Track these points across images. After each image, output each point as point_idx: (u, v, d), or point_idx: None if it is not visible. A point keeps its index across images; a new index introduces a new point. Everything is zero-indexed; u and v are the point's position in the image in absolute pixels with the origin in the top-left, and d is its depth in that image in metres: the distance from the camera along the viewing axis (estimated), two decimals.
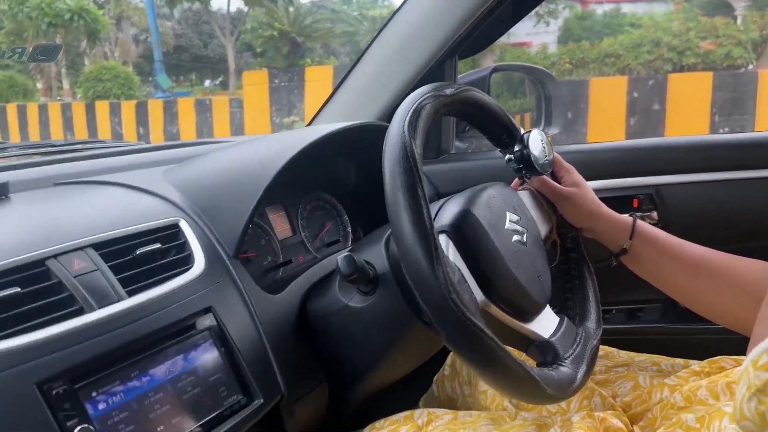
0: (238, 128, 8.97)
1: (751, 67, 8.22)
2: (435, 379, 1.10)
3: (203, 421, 0.67)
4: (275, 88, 8.98)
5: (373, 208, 1.19)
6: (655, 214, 1.16)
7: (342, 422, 1.05)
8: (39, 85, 16.75)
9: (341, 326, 0.84)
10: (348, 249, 0.91)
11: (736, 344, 0.85)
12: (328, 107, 1.32)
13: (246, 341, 0.75)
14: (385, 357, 0.84)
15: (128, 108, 10.02)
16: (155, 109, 9.82)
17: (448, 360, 1.08)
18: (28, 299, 0.62)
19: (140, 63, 17.33)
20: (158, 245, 0.75)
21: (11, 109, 11.27)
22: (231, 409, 0.70)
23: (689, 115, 6.63)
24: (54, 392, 0.57)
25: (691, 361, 0.90)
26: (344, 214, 1.16)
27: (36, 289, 0.63)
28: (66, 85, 17.30)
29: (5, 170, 0.95)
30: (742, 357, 0.75)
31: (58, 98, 15.45)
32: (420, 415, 0.87)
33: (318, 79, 8.59)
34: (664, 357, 0.95)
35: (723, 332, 0.88)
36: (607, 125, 6.82)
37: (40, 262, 0.65)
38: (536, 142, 0.91)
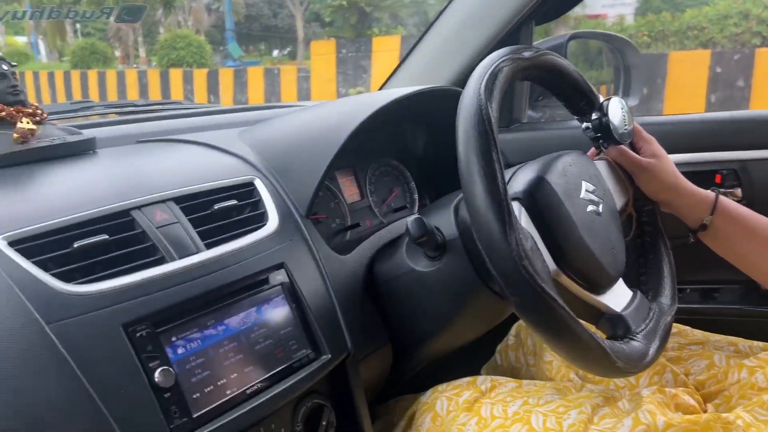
0: (304, 98, 9.07)
1: None
2: (498, 348, 1.09)
3: (273, 372, 0.69)
4: (342, 59, 8.99)
5: (440, 176, 1.18)
6: (738, 191, 1.10)
7: (403, 384, 1.07)
8: (117, 53, 17.40)
9: (407, 290, 0.85)
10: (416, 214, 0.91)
11: None
12: (399, 72, 1.32)
13: (315, 298, 0.76)
14: (449, 323, 0.85)
15: (200, 76, 10.28)
16: (225, 77, 10.04)
17: (513, 330, 1.08)
18: (115, 247, 0.65)
19: (212, 32, 17.70)
20: (234, 202, 0.77)
21: (92, 75, 11.78)
22: (300, 363, 0.72)
23: None
24: (138, 334, 0.60)
25: None
26: (411, 181, 1.16)
27: (122, 238, 0.66)
28: (142, 53, 17.91)
29: (92, 127, 0.99)
30: None
31: (135, 65, 16.01)
32: (483, 381, 0.87)
33: (385, 49, 8.54)
34: (741, 339, 0.91)
35: None
36: (685, 102, 6.49)
37: (125, 213, 0.68)
38: (616, 110, 0.88)
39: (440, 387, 0.89)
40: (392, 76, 1.35)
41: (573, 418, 0.74)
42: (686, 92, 6.58)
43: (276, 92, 9.43)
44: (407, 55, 1.34)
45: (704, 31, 8.15)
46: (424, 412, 0.86)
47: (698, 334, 0.92)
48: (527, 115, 1.34)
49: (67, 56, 15.80)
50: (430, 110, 1.07)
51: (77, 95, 11.48)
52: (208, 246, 0.70)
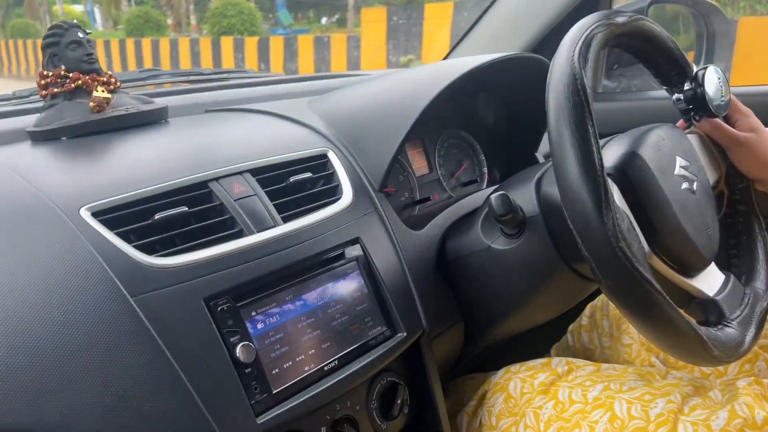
0: (354, 66, 8.99)
1: None
2: (570, 328, 1.06)
3: (350, 349, 0.68)
4: (393, 26, 8.84)
5: (511, 148, 1.14)
6: None
7: (471, 362, 1.04)
8: (169, 21, 17.62)
9: (482, 267, 0.82)
10: (493, 188, 0.87)
11: None
12: (466, 40, 1.27)
13: (390, 274, 0.74)
14: (525, 303, 0.82)
15: (251, 44, 10.32)
16: (276, 45, 10.04)
17: (587, 310, 1.04)
18: (194, 219, 0.64)
19: (261, 0, 17.70)
20: (309, 174, 0.75)
21: (146, 43, 11.98)
22: (375, 340, 0.70)
23: None
24: (219, 309, 0.59)
25: None
26: (481, 154, 1.11)
27: (201, 210, 0.65)
28: (193, 20, 18.08)
29: (162, 96, 0.99)
30: None
31: (186, 34, 16.19)
32: (558, 363, 0.84)
33: (437, 16, 8.34)
34: None
35: None
36: (756, 72, 6.15)
37: (203, 184, 0.67)
38: (712, 80, 0.81)
39: (513, 367, 0.87)
40: (459, 44, 1.31)
41: (660, 407, 0.71)
42: (755, 61, 6.23)
43: (326, 60, 9.38)
44: (475, 22, 1.28)
45: None
46: (496, 392, 0.84)
47: None
48: (602, 84, 1.28)
49: (122, 24, 16.09)
50: (504, 80, 1.02)
51: (132, 64, 11.70)
52: (285, 219, 0.69)
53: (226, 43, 10.70)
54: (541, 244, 0.77)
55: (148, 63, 11.38)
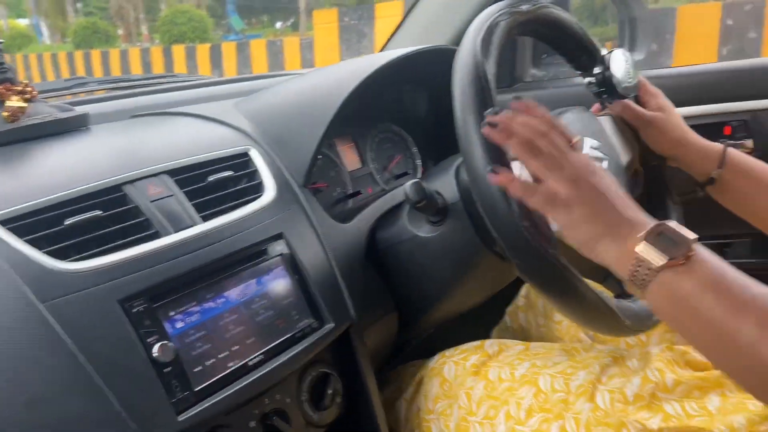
0: (308, 68, 8.95)
1: None
2: (508, 310, 1.08)
3: (276, 343, 0.68)
4: (345, 27, 8.86)
5: (443, 139, 1.16)
6: (750, 142, 1.07)
7: (413, 350, 1.06)
8: (120, 32, 17.28)
9: (410, 256, 0.84)
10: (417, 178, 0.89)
11: None
12: (398, 34, 1.28)
13: (316, 267, 0.75)
14: (453, 287, 0.84)
15: (203, 51, 10.20)
16: (228, 51, 9.95)
17: (522, 291, 1.06)
18: (108, 222, 0.64)
19: (213, 6, 17.48)
20: (230, 173, 0.76)
21: (95, 55, 11.73)
22: (303, 332, 0.71)
23: None
24: (135, 310, 0.59)
25: None
26: (414, 146, 1.13)
27: (115, 213, 0.65)
28: (144, 30, 17.76)
29: (85, 103, 0.98)
30: None
31: (138, 44, 15.91)
32: (491, 344, 0.87)
33: (387, 15, 8.38)
34: None
35: None
36: (696, 57, 6.34)
37: (117, 188, 0.67)
38: (619, 63, 0.85)
39: (447, 352, 0.88)
40: (392, 37, 1.32)
41: (581, 378, 0.74)
42: (696, 47, 6.43)
43: (279, 64, 9.34)
44: (406, 15, 1.30)
45: None
46: (432, 377, 0.86)
47: None
48: (531, 73, 1.31)
49: (69, 37, 15.72)
50: (429, 72, 1.04)
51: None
52: (205, 218, 0.69)
53: (178, 51, 10.55)
54: (464, 229, 0.80)
55: (98, 75, 11.14)
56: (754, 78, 1.08)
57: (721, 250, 1.15)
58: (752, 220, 0.85)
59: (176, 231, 0.66)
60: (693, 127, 0.88)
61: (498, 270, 0.84)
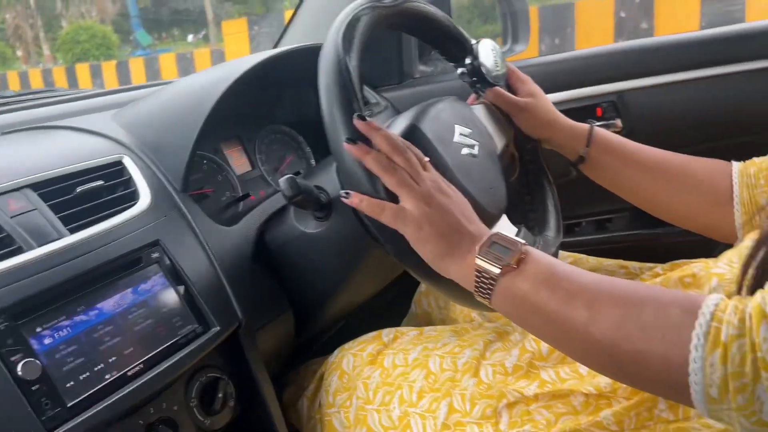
0: None
1: None
2: (414, 298, 1.11)
3: (157, 351, 0.67)
4: (255, 36, 8.77)
5: None
6: (619, 122, 1.14)
7: (319, 348, 1.07)
8: (19, 53, 16.40)
9: (300, 253, 0.84)
10: (302, 176, 0.90)
11: (699, 246, 0.85)
12: (290, 30, 1.29)
13: (199, 272, 0.74)
14: (345, 281, 0.85)
15: (109, 69, 9.84)
16: (136, 67, 9.64)
17: None
18: None
19: (119, 21, 16.86)
20: (101, 182, 0.74)
21: None
22: (186, 338, 0.70)
23: (678, 31, 6.48)
24: None
25: (657, 265, 0.90)
26: (305, 146, 1.14)
27: None
28: (46, 50, 16.92)
29: None
30: (701, 260, 0.75)
31: (39, 64, 15.14)
32: (388, 333, 0.88)
33: None
34: (633, 261, 0.95)
35: (688, 234, 0.88)
36: None
37: None
38: (487, 52, 0.88)
39: (346, 345, 0.90)
40: (281, 37, 1.33)
41: (467, 356, 0.76)
42: (595, 39, 6.76)
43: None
44: (293, 15, 1.31)
45: None
46: (332, 371, 0.87)
47: (592, 260, 0.96)
48: (419, 69, 1.34)
49: None
50: (312, 70, 1.05)
51: None
52: (73, 230, 0.67)
53: (82, 70, 10.13)
54: (349, 222, 0.81)
55: None
56: (619, 61, 1.15)
57: (603, 225, 1.22)
58: (622, 194, 0.91)
59: (40, 245, 0.64)
60: (568, 110, 0.93)
61: (387, 260, 0.86)
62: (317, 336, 1.05)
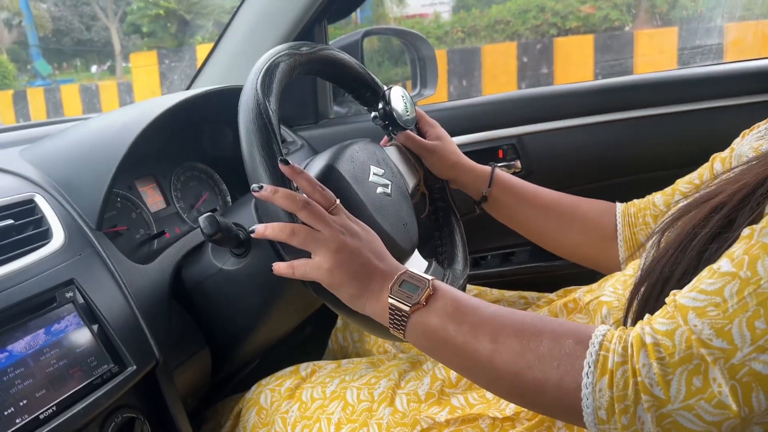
0: None
1: (627, 28, 8.72)
2: (330, 335, 1.13)
3: (71, 392, 0.66)
4: (166, 69, 8.61)
5: None
6: (518, 163, 1.23)
7: (236, 385, 1.06)
8: None
9: (217, 290, 0.85)
10: (220, 214, 0.91)
11: (588, 275, 0.93)
12: (202, 73, 1.30)
13: (114, 311, 0.74)
14: (263, 316, 0.86)
15: (4, 98, 9.30)
16: (36, 98, 9.17)
17: None
18: None
19: (15, 50, 16.01)
20: (10, 221, 0.72)
21: None
22: (102, 378, 0.69)
23: (575, 76, 6.98)
24: None
25: (551, 293, 0.97)
26: (222, 183, 1.15)
27: None
28: None
29: None
30: (586, 287, 0.83)
31: None
32: (305, 367, 0.90)
33: None
34: (532, 292, 1.02)
35: (580, 267, 0.96)
36: (500, 91, 7.03)
37: None
38: (398, 98, 0.94)
39: (264, 380, 0.91)
40: (196, 77, 1.34)
41: (383, 386, 0.80)
42: (500, 81, 7.15)
43: (96, 108, 8.79)
44: (209, 55, 1.33)
45: (509, 24, 8.89)
46: (250, 407, 0.87)
47: (495, 292, 1.03)
48: (334, 110, 1.40)
49: None
50: (228, 110, 1.07)
51: None
52: None
53: None
54: (267, 258, 0.82)
55: None
56: (517, 107, 1.25)
57: (507, 258, 1.30)
58: (519, 230, 0.99)
59: None
60: (472, 152, 1.00)
61: (304, 295, 0.88)
62: (235, 372, 1.05)
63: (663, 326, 0.50)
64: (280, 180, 0.68)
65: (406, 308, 0.61)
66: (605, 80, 1.30)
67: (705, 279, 0.51)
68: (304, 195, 0.67)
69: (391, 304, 0.62)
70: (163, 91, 8.54)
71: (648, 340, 0.50)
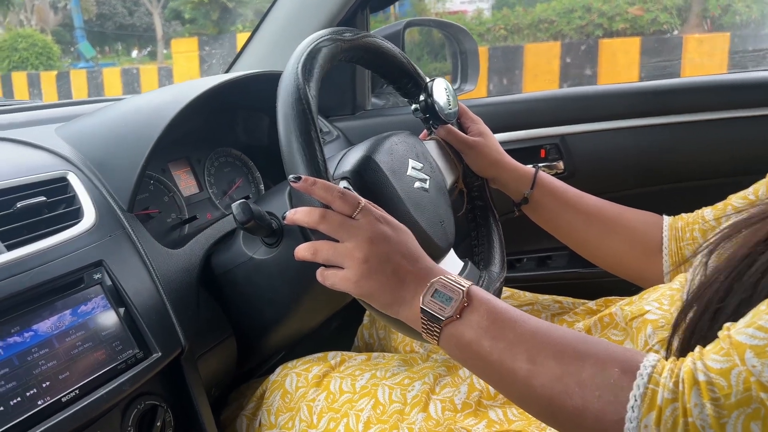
0: None
1: (676, 32, 8.49)
2: (357, 332, 1.11)
3: (95, 376, 0.65)
4: (206, 56, 8.70)
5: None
6: (561, 164, 1.19)
7: (259, 373, 1.05)
8: None
9: (247, 279, 0.83)
10: (252, 201, 0.89)
11: (627, 287, 0.89)
12: (243, 57, 1.29)
13: (142, 295, 0.72)
14: (292, 308, 0.84)
15: (48, 79, 9.51)
16: (78, 80, 9.37)
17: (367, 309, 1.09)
18: None
19: (60, 32, 16.36)
20: (43, 198, 0.71)
21: None
22: (126, 363, 0.68)
23: (620, 79, 6.82)
24: None
25: (588, 301, 0.93)
26: (256, 171, 1.13)
27: None
28: None
29: None
30: (627, 298, 0.79)
31: None
32: (334, 356, 0.88)
33: None
34: (566, 297, 0.98)
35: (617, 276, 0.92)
36: (542, 88, 6.93)
37: None
38: (440, 91, 0.91)
39: (290, 363, 0.88)
40: (235, 62, 1.33)
41: (417, 389, 0.77)
42: (541, 81, 7.04)
43: (137, 92, 8.94)
44: (248, 40, 1.31)
45: (553, 24, 8.74)
46: (274, 390, 0.85)
47: (529, 295, 0.99)
48: (371, 102, 1.37)
49: None
50: (265, 97, 1.05)
51: None
52: (10, 247, 0.65)
53: (19, 78, 9.76)
54: None
55: None
56: (562, 106, 1.21)
57: (545, 262, 1.26)
58: (558, 235, 0.94)
59: None
60: (513, 150, 0.97)
61: (333, 290, 0.86)
62: (259, 364, 1.03)
63: (717, 364, 0.46)
64: (317, 168, 0.65)
65: (440, 319, 0.58)
66: (654, 81, 1.24)
67: (764, 314, 0.46)
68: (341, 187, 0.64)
69: (423, 315, 0.59)
70: (202, 77, 8.63)
71: (701, 377, 0.46)
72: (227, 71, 1.34)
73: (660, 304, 0.71)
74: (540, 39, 8.75)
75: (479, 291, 0.60)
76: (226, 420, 0.89)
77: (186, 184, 1.00)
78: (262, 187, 1.14)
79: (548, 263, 1.26)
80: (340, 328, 1.22)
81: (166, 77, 8.91)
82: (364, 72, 1.32)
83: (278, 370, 0.88)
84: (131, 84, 9.06)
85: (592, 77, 6.97)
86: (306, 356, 0.89)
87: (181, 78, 8.67)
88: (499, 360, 0.55)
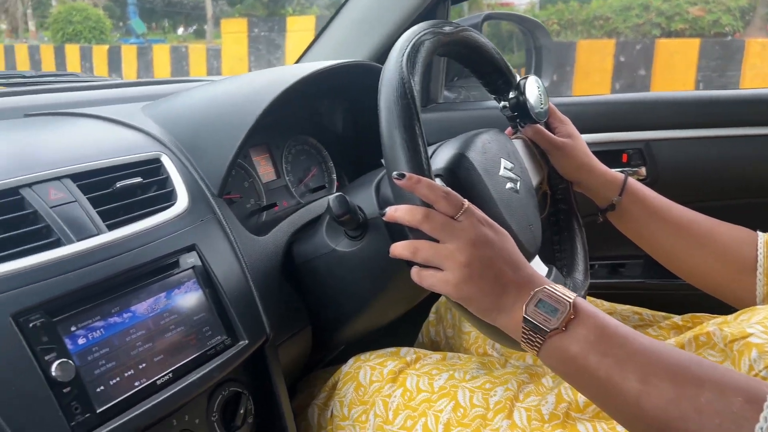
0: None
1: (738, 35, 8.18)
2: (422, 328, 1.09)
3: (186, 361, 0.65)
4: (254, 38, 8.74)
5: (360, 155, 1.16)
6: (643, 170, 1.15)
7: (326, 362, 1.04)
8: (3, 26, 16.09)
9: (328, 270, 0.82)
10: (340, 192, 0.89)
11: (711, 302, 0.85)
12: (314, 48, 1.28)
13: (231, 281, 0.72)
14: (371, 302, 0.83)
15: (100, 52, 9.69)
16: (128, 55, 9.52)
17: (433, 307, 1.08)
18: (2, 229, 0.59)
19: (111, 7, 16.66)
20: (139, 179, 0.71)
21: None
22: (215, 349, 0.68)
23: (675, 82, 6.62)
24: (31, 324, 0.54)
25: (673, 315, 0.90)
26: (329, 160, 1.13)
27: (10, 219, 0.59)
28: (32, 26, 16.61)
29: None
30: (717, 315, 0.75)
31: (24, 40, 14.85)
32: (407, 352, 0.87)
33: (299, 29, 8.36)
34: (646, 309, 0.95)
35: (696, 289, 0.88)
36: (592, 89, 6.78)
37: (13, 191, 0.61)
38: (533, 89, 0.88)
39: (363, 356, 0.88)
40: (307, 51, 1.31)
41: (499, 395, 0.75)
42: (593, 79, 6.88)
43: (184, 71, 9.05)
44: (322, 30, 1.30)
45: (609, 21, 8.51)
46: (347, 381, 0.85)
47: (607, 305, 0.96)
48: (443, 95, 1.34)
49: None
50: (348, 86, 1.04)
51: None
52: (110, 227, 0.65)
53: (72, 51, 9.97)
54: (383, 244, 0.79)
55: None
56: (648, 110, 1.16)
57: (617, 270, 1.23)
58: (644, 246, 0.91)
59: (79, 240, 0.61)
60: (596, 153, 0.93)
61: (414, 286, 0.84)
62: (328, 354, 1.03)
63: None
64: (420, 166, 0.64)
65: (544, 331, 0.56)
66: (747, 90, 1.19)
67: None
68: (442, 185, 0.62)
69: (526, 324, 0.57)
70: (250, 60, 8.67)
71: None
72: (299, 60, 1.34)
73: (765, 327, 0.68)
74: (594, 36, 8.54)
75: (586, 304, 0.58)
76: (297, 408, 0.88)
77: (265, 170, 1.00)
78: (334, 176, 1.13)
79: (621, 271, 1.22)
80: (402, 320, 1.21)
81: (214, 57, 8.99)
82: (440, 64, 1.30)
83: (351, 361, 0.87)
84: (180, 62, 9.17)
85: (645, 78, 6.77)
86: (379, 350, 0.88)
87: (229, 59, 8.73)
88: (607, 377, 0.53)
